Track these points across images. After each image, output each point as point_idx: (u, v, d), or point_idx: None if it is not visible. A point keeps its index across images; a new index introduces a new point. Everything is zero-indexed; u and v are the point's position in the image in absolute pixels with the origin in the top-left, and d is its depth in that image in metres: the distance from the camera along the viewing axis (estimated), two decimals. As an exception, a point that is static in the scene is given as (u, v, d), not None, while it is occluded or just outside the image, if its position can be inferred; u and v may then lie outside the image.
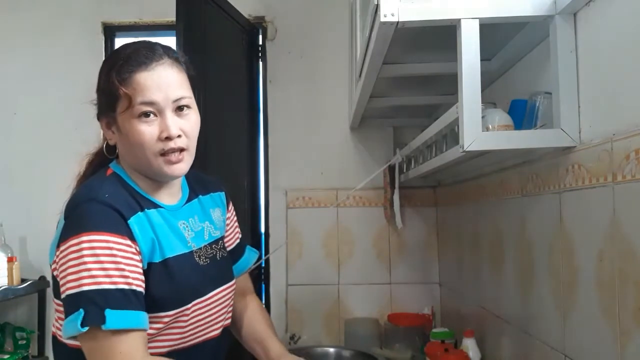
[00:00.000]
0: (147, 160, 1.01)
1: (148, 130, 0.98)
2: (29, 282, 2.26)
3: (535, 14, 1.10)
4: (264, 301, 2.37)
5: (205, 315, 1.08)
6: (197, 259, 1.09)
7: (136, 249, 0.98)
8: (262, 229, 2.43)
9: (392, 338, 2.07)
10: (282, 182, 2.39)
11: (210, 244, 1.14)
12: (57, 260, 0.96)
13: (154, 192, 1.08)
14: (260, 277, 2.37)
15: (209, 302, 1.09)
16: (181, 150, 1.01)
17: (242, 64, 2.34)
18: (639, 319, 0.87)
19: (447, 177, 2.12)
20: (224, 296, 1.14)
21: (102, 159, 1.11)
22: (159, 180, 1.08)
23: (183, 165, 1.03)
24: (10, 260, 2.22)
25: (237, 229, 1.31)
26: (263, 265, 2.37)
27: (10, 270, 2.21)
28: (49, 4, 2.48)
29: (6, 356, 2.24)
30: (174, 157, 1.01)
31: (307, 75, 2.40)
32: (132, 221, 0.99)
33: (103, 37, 2.47)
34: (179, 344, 1.05)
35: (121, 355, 0.91)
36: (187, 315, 1.04)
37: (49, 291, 2.36)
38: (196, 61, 1.89)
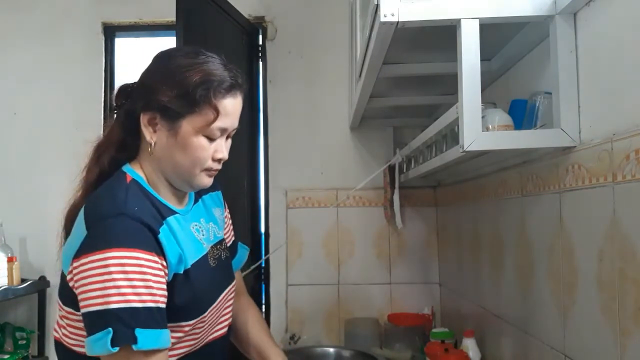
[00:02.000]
0: (191, 172, 1.03)
1: (208, 147, 1.02)
2: (29, 282, 2.26)
3: (535, 14, 1.10)
4: (263, 301, 2.37)
5: (216, 317, 1.09)
6: (209, 260, 1.10)
7: (162, 264, 0.96)
8: (262, 229, 2.43)
9: (392, 338, 2.07)
10: (282, 182, 2.39)
11: (215, 245, 1.15)
12: (74, 271, 0.93)
13: (169, 198, 1.07)
14: (260, 277, 2.37)
15: (219, 304, 1.10)
16: None
17: (242, 64, 2.34)
18: (639, 319, 0.87)
19: (447, 177, 2.12)
20: (229, 298, 1.15)
21: (119, 154, 1.08)
22: (180, 189, 1.08)
23: (212, 179, 1.09)
24: (10, 260, 2.22)
25: (231, 229, 1.32)
26: (263, 265, 2.37)
27: (10, 270, 2.21)
28: (49, 4, 2.48)
29: (6, 356, 2.24)
30: (213, 172, 1.06)
31: (307, 75, 2.40)
32: (161, 235, 0.98)
33: (103, 37, 2.47)
34: (193, 348, 1.06)
35: None
36: (205, 322, 1.05)
37: (49, 291, 2.37)
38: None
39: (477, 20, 1.09)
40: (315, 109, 2.39)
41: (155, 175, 1.05)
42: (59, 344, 1.04)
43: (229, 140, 1.08)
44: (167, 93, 0.99)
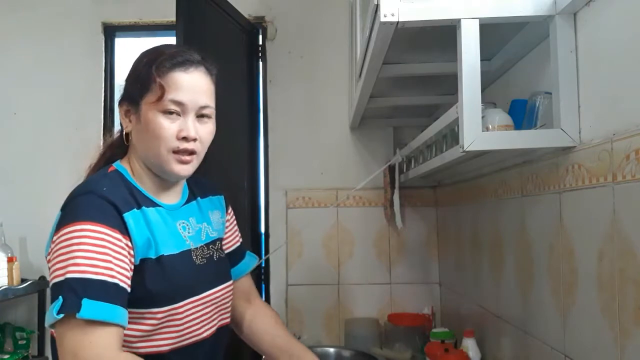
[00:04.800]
0: (159, 154, 1.03)
1: (169, 125, 1.02)
2: (29, 282, 2.26)
3: (535, 14, 1.10)
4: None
5: (201, 313, 1.09)
6: (194, 258, 1.10)
7: (127, 244, 0.98)
8: (262, 229, 2.43)
9: (392, 338, 2.07)
10: (282, 182, 2.39)
11: (207, 245, 1.15)
12: (50, 251, 0.97)
13: (155, 191, 1.09)
14: (260, 277, 2.37)
15: (204, 301, 1.10)
16: (192, 153, 1.05)
17: (242, 64, 2.34)
18: (639, 318, 0.87)
19: (447, 177, 2.12)
20: (220, 296, 1.15)
21: (114, 152, 1.13)
22: (163, 178, 1.09)
23: (190, 167, 1.06)
24: (10, 260, 2.22)
25: (237, 233, 1.32)
26: (263, 265, 2.37)
27: (10, 270, 2.21)
28: (49, 3, 2.48)
29: (6, 356, 2.24)
30: (184, 157, 1.04)
31: (307, 75, 2.40)
32: (127, 215, 1.00)
33: (103, 37, 2.47)
34: (178, 342, 1.05)
35: (90, 345, 0.89)
36: (181, 312, 1.04)
37: (49, 291, 2.36)
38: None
39: (477, 20, 1.09)
40: (315, 109, 2.39)
41: (140, 168, 1.09)
42: (53, 339, 1.05)
43: (208, 124, 1.07)
44: (129, 81, 1.07)
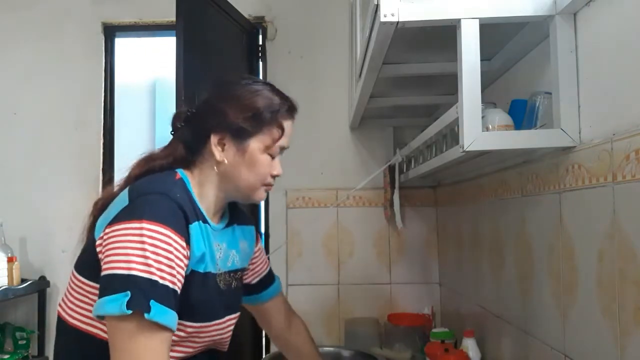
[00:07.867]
0: (253, 186, 1.11)
1: (270, 165, 1.12)
2: (29, 282, 2.26)
3: (535, 14, 1.10)
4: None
5: (215, 337, 1.11)
6: (218, 282, 1.11)
7: (187, 253, 0.99)
8: (262, 229, 2.43)
9: (392, 338, 2.07)
10: (282, 182, 2.38)
11: (229, 272, 1.16)
12: (105, 237, 0.96)
13: (208, 210, 1.11)
14: (260, 277, 2.37)
15: (221, 325, 1.12)
16: None
17: (242, 64, 2.34)
18: (639, 319, 0.87)
19: (447, 177, 2.12)
20: (231, 324, 1.16)
21: (175, 166, 1.11)
22: (238, 201, 1.18)
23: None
24: (10, 260, 2.21)
25: (266, 259, 1.38)
26: (263, 265, 2.37)
27: (10, 270, 2.20)
28: (49, 3, 2.48)
29: (6, 356, 2.24)
30: (269, 188, 1.15)
31: (307, 75, 2.40)
32: (192, 226, 1.01)
33: (103, 37, 2.47)
34: (187, 355, 1.07)
35: (150, 349, 0.91)
36: (206, 332, 1.06)
37: (49, 291, 2.36)
38: (196, 61, 1.89)
39: (477, 20, 1.09)
40: (315, 109, 2.39)
41: (205, 189, 1.10)
42: (60, 321, 1.06)
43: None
44: (238, 115, 1.08)
